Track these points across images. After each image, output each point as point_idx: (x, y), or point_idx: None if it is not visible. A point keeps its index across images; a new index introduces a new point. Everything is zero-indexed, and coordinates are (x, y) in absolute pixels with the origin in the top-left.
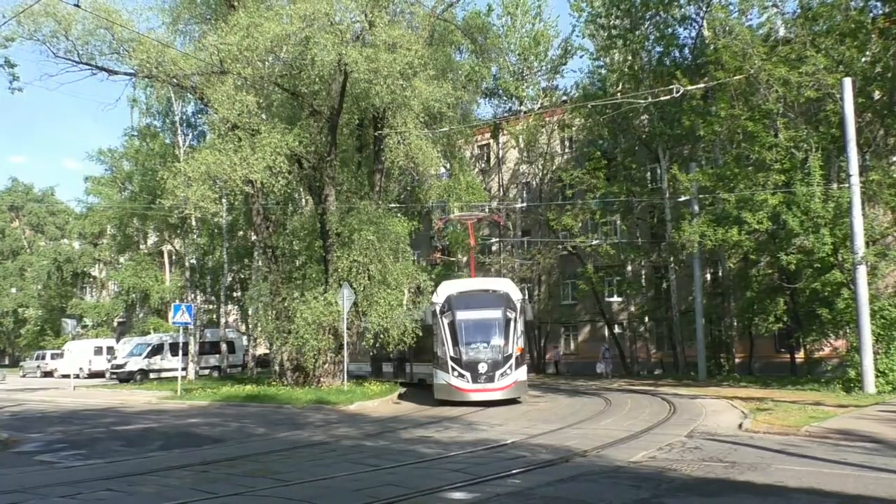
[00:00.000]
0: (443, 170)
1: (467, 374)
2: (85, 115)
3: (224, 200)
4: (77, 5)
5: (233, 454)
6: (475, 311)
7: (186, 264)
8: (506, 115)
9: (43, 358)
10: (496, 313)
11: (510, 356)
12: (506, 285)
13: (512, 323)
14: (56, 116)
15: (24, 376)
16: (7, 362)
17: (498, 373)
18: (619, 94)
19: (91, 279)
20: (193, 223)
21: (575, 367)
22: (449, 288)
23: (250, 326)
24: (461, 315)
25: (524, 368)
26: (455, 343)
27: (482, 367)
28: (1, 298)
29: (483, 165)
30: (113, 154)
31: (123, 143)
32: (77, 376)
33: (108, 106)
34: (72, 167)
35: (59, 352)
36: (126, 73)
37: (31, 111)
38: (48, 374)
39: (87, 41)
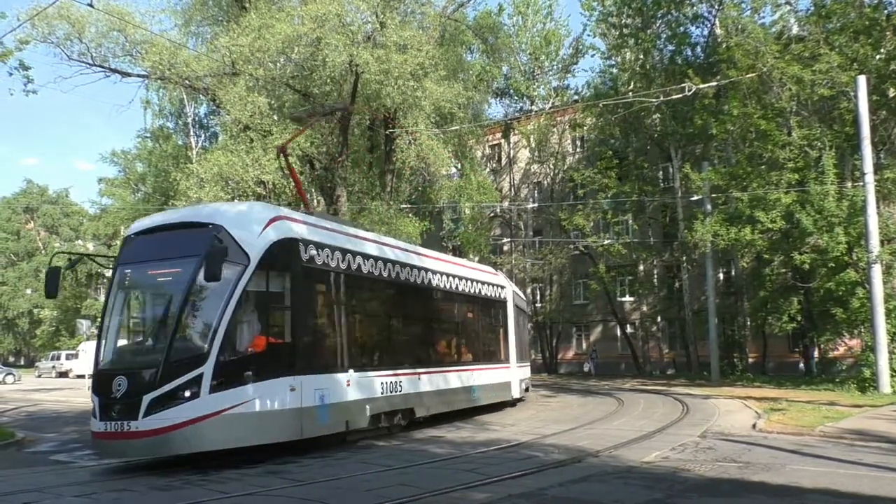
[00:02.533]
0: (454, 170)
1: (96, 401)
2: (98, 116)
3: (236, 202)
4: (90, 5)
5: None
6: (143, 268)
7: None
8: (517, 114)
9: (58, 358)
10: (180, 271)
11: (201, 359)
12: (228, 213)
13: (225, 289)
14: (69, 118)
15: (39, 377)
16: (22, 363)
17: (149, 398)
18: (630, 93)
19: (105, 280)
20: None
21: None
22: (135, 226)
23: None
24: (120, 277)
25: (271, 388)
26: (100, 335)
27: (117, 387)
28: (16, 299)
29: (494, 165)
30: (126, 156)
31: (136, 145)
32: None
33: (121, 108)
34: (85, 169)
35: (73, 352)
36: (139, 75)
37: (44, 113)
38: (63, 375)
39: (101, 43)
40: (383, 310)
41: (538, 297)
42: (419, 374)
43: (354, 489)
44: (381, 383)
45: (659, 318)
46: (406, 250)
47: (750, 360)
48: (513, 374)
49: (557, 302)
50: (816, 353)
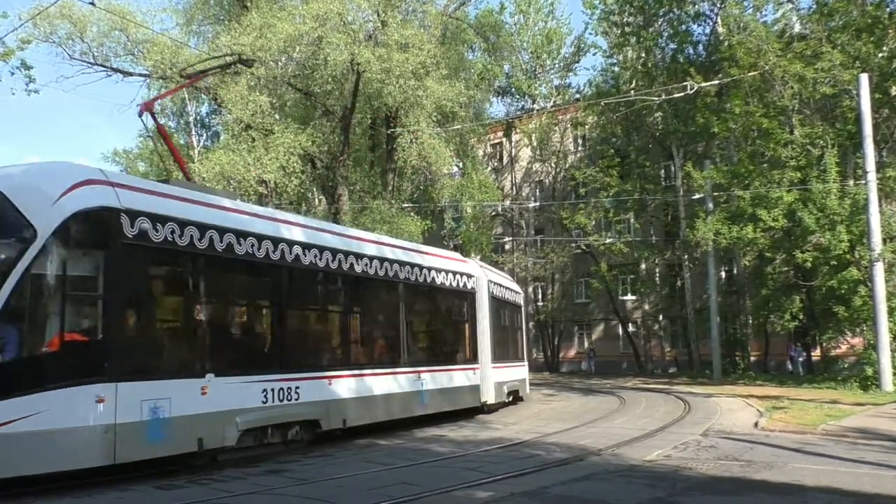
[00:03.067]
0: (455, 169)
1: None
2: (99, 116)
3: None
4: (92, 3)
5: (247, 453)
6: None
7: None
8: (518, 113)
9: None
10: None
11: None
12: (14, 174)
13: None
14: (70, 118)
15: None
16: None
17: None
18: (632, 91)
19: None
20: None
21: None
22: None
23: None
24: None
25: (63, 399)
26: None
27: None
28: None
29: (496, 164)
30: (128, 155)
31: (138, 144)
32: None
33: (122, 107)
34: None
35: None
36: (141, 74)
37: (45, 113)
38: None
39: (102, 43)
40: (271, 301)
41: (540, 296)
42: (330, 378)
43: (357, 488)
44: (265, 390)
45: (661, 317)
46: (312, 228)
47: (752, 358)
48: (484, 375)
49: (559, 301)
50: (818, 352)
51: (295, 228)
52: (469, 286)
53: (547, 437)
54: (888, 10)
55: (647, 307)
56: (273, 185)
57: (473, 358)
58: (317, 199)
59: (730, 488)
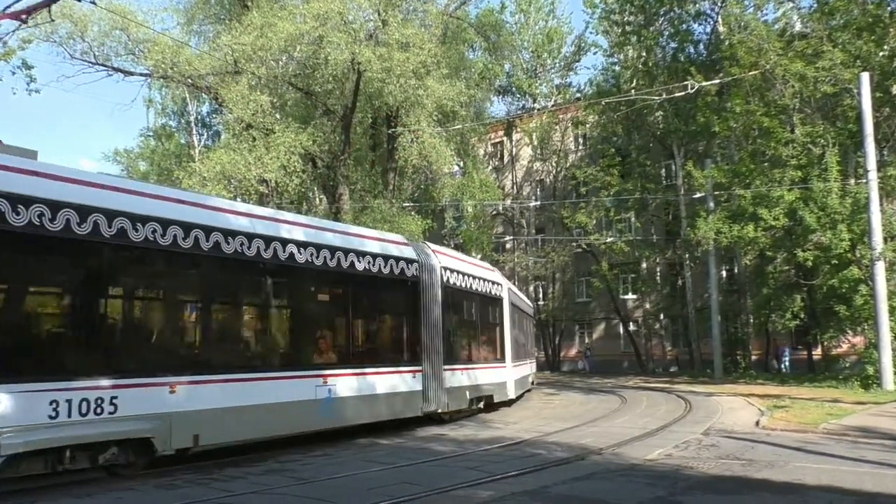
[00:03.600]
0: (456, 168)
1: None
2: (100, 115)
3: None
4: (93, 2)
5: (248, 453)
6: None
7: None
8: (519, 112)
9: None
10: None
11: None
12: None
13: None
14: (71, 117)
15: None
16: None
17: None
18: (633, 90)
19: None
20: None
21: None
22: None
23: None
24: None
25: None
26: None
27: None
28: None
29: (496, 163)
30: (129, 154)
31: (139, 144)
32: None
33: (123, 107)
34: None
35: None
36: (142, 74)
37: (46, 112)
38: None
39: (103, 42)
40: (75, 287)
41: (541, 295)
42: (173, 384)
43: (357, 487)
44: (55, 402)
45: (662, 316)
46: (163, 199)
47: (753, 357)
48: (431, 379)
49: (560, 300)
50: (819, 351)
51: (126, 196)
52: (409, 273)
53: (548, 437)
54: (889, 8)
55: (647, 306)
56: (274, 184)
57: (414, 359)
58: (318, 199)
59: (731, 487)
